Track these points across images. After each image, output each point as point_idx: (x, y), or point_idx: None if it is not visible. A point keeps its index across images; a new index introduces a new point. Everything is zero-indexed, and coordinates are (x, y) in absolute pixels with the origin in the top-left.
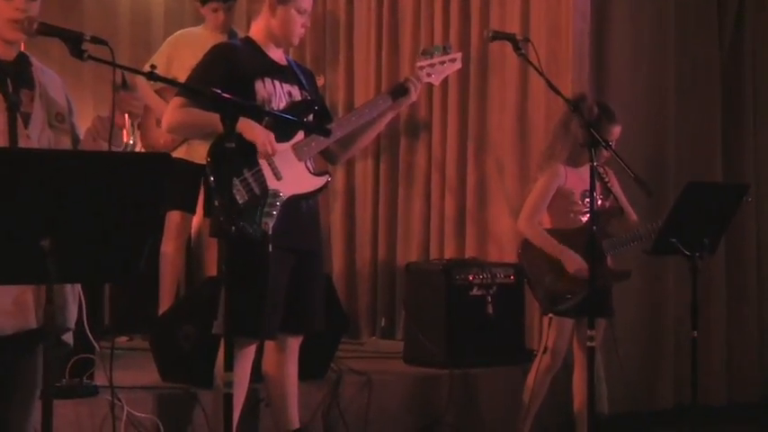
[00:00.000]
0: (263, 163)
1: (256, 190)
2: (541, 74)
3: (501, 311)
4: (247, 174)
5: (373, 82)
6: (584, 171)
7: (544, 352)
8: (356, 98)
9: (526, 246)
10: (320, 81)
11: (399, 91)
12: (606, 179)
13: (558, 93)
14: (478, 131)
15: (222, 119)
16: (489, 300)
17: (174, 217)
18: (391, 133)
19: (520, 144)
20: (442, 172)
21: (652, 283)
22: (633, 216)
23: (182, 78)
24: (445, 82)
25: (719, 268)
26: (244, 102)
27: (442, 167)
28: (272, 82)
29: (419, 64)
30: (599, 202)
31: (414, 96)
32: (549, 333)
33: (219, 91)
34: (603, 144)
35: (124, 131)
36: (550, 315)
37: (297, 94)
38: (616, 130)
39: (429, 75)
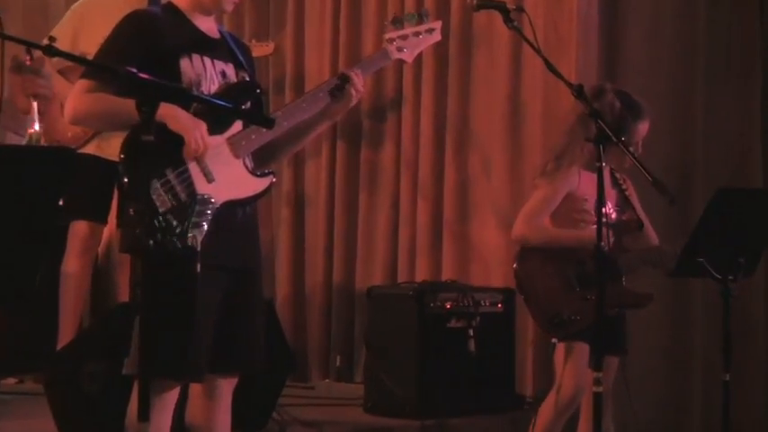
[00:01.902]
0: (190, 161)
1: (182, 195)
2: (538, 51)
3: (486, 348)
4: (171, 175)
5: (328, 56)
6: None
7: (557, 390)
8: (307, 74)
9: (523, 257)
10: (269, 47)
11: (337, 89)
12: (624, 187)
13: (558, 75)
14: (459, 123)
15: (139, 105)
16: (471, 333)
17: (79, 228)
18: (351, 124)
19: (511, 139)
20: (414, 173)
21: (674, 313)
22: (654, 236)
23: (91, 55)
24: (419, 60)
25: (758, 294)
26: (166, 84)
27: (414, 167)
28: (202, 59)
29: (388, 35)
30: (613, 214)
31: (353, 101)
32: (561, 363)
33: (135, 70)
34: (615, 140)
35: (32, 117)
36: (553, 340)
37: (232, 74)
38: (643, 128)
39: (400, 49)
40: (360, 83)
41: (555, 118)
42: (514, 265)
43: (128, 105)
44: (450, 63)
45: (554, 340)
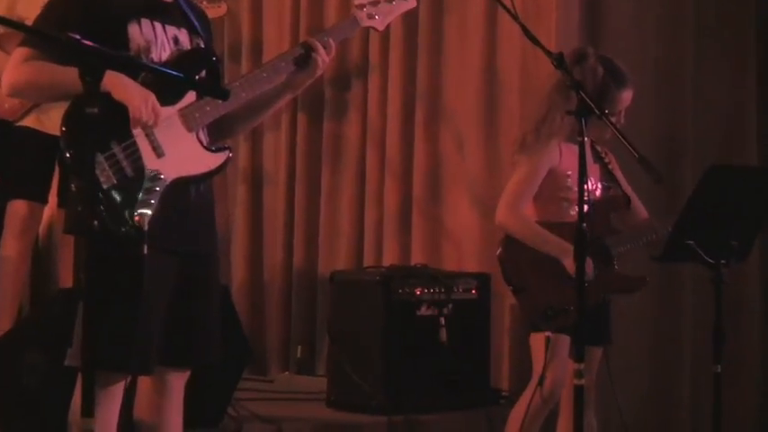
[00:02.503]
0: (138, 134)
1: (128, 171)
2: (514, 17)
3: (459, 337)
4: (117, 149)
5: (288, 21)
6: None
7: (540, 383)
8: (266, 41)
9: (509, 243)
10: (221, 9)
11: (302, 58)
12: (607, 161)
13: (536, 43)
14: (431, 94)
15: (82, 75)
16: (443, 322)
17: (17, 208)
18: (312, 94)
19: (486, 111)
20: (382, 149)
21: (662, 301)
22: (644, 211)
23: (30, 21)
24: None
25: (753, 281)
26: (112, 52)
27: (382, 143)
28: (152, 24)
29: (358, 1)
30: (598, 190)
31: (318, 71)
32: (543, 357)
33: (78, 37)
34: (598, 113)
35: None
36: (547, 333)
37: (185, 40)
38: (627, 96)
39: (371, 16)
40: (326, 53)
41: (534, 89)
42: (499, 251)
43: (70, 75)
44: (419, 29)
45: (548, 334)
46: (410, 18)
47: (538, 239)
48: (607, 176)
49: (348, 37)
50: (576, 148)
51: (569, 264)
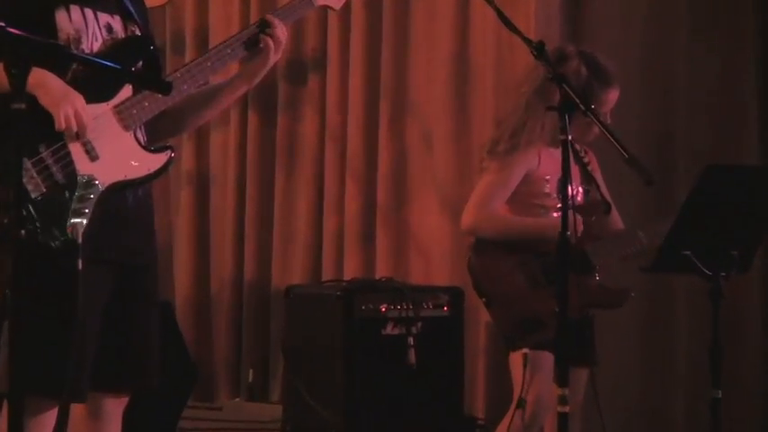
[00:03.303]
0: (70, 137)
1: (59, 177)
2: (489, 0)
3: (429, 359)
4: (45, 153)
5: (237, 5)
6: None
7: (520, 405)
8: (212, 29)
9: (479, 249)
10: None
11: (253, 42)
12: (587, 161)
13: (513, 30)
14: (396, 87)
15: (7, 68)
16: (411, 342)
17: None
18: (264, 87)
19: (456, 107)
20: (342, 148)
21: (653, 316)
22: (618, 220)
23: None
24: (346, 9)
25: (754, 294)
26: (41, 39)
27: (342, 141)
28: (82, 11)
29: None
30: (579, 195)
31: (272, 58)
32: (524, 376)
33: (2, 24)
34: (584, 109)
35: None
36: (524, 351)
37: (119, 28)
38: (613, 96)
39: None
40: (282, 32)
41: (510, 83)
42: (468, 258)
43: None
44: (383, 14)
45: (525, 351)
46: (373, 2)
47: (511, 227)
48: (586, 180)
49: (300, 17)
50: (555, 152)
51: (547, 230)
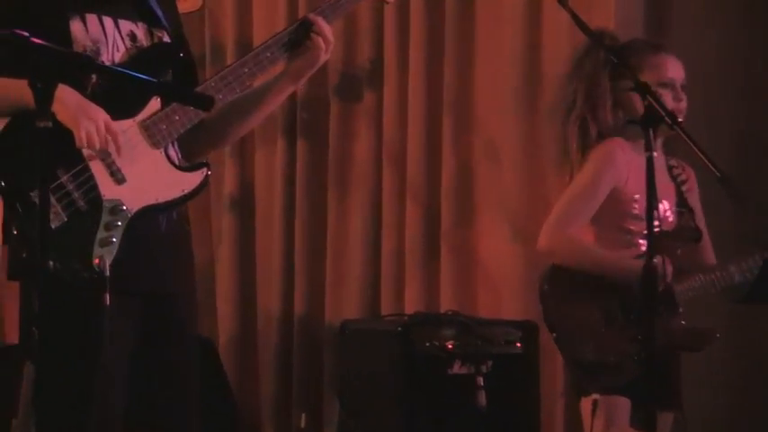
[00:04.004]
0: (91, 157)
1: (81, 203)
2: (563, 3)
3: (500, 401)
4: (65, 178)
5: (284, 6)
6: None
7: None
8: (256, 32)
9: (555, 276)
10: (196, 1)
11: (294, 42)
12: (683, 178)
13: (590, 34)
14: (460, 100)
15: (32, 80)
16: (481, 382)
17: None
18: (315, 105)
19: (527, 121)
20: (400, 168)
21: (745, 354)
22: (710, 252)
23: None
24: (404, 15)
25: None
26: (68, 50)
27: (400, 161)
28: (100, 20)
29: None
30: (670, 216)
31: (321, 56)
32: (593, 424)
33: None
34: (670, 122)
35: None
36: (594, 396)
37: (143, 36)
38: (662, 61)
39: None
40: (328, 30)
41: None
42: (541, 286)
43: (9, 87)
44: (445, 19)
45: (595, 396)
46: (434, 8)
47: (590, 259)
48: (680, 202)
49: (347, 12)
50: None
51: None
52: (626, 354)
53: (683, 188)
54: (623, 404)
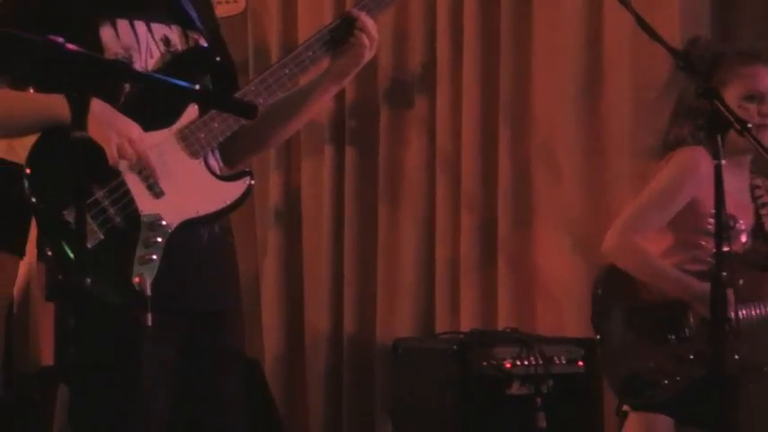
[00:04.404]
0: (127, 172)
1: (118, 220)
2: (624, 2)
3: (562, 423)
4: (100, 194)
5: (330, 5)
6: (738, 174)
7: None
8: (301, 34)
9: (609, 278)
10: (238, 4)
11: (336, 41)
12: (764, 201)
13: (654, 36)
14: (516, 105)
15: (68, 90)
16: (540, 402)
17: None
18: (363, 111)
19: (587, 125)
20: (454, 178)
21: None
22: None
23: None
24: (458, 17)
25: None
26: (104, 58)
27: (455, 170)
28: (132, 25)
29: None
30: (743, 236)
31: (365, 53)
32: None
33: (62, 40)
34: (739, 128)
35: None
36: (625, 407)
37: (177, 40)
38: (753, 71)
39: None
40: (371, 25)
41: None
42: (594, 285)
43: (40, 101)
44: (501, 19)
45: (625, 408)
46: (489, 7)
47: (654, 274)
48: (758, 223)
49: (391, 5)
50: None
51: (695, 296)
52: (668, 371)
53: (762, 211)
54: (663, 422)
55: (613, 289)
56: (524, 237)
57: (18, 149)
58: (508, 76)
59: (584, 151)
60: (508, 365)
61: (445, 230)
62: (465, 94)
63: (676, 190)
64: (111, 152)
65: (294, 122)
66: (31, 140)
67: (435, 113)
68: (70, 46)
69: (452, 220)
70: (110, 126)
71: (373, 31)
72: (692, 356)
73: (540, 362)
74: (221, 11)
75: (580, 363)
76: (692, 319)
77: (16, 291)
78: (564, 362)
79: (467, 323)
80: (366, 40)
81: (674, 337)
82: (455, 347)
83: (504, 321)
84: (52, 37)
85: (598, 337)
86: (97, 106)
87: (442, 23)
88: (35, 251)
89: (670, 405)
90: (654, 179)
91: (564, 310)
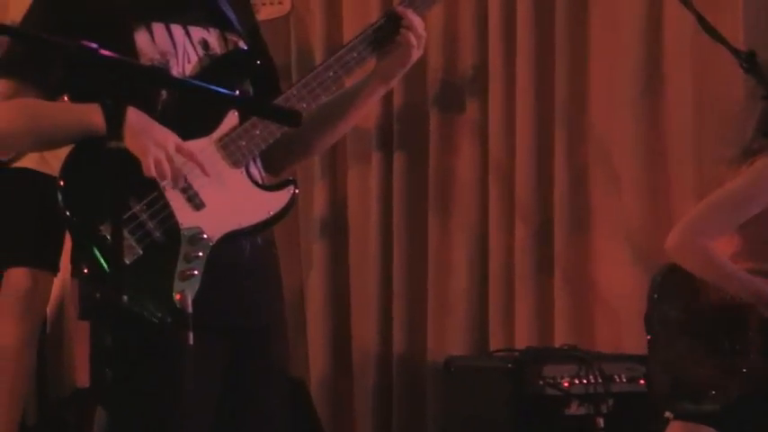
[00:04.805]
0: (166, 184)
1: (157, 234)
2: (686, 2)
3: None
4: (138, 207)
5: (376, 5)
6: None
7: None
8: (347, 35)
9: (667, 283)
10: (284, 5)
11: (382, 37)
12: None
13: (718, 38)
14: (573, 110)
15: (102, 97)
16: (602, 424)
17: (15, 279)
18: (412, 117)
19: (648, 131)
20: (508, 187)
21: None
22: None
23: None
24: (511, 17)
25: None
26: (140, 64)
27: (508, 179)
28: (168, 28)
29: None
30: None
31: (413, 53)
32: None
33: (95, 45)
34: None
35: None
36: (668, 414)
37: (216, 43)
38: None
39: None
40: (418, 23)
41: (713, 101)
42: (653, 278)
43: (74, 111)
44: (556, 20)
45: (668, 414)
46: (543, 8)
47: (719, 271)
48: None
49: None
50: None
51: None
52: (718, 382)
53: None
54: None
55: (671, 290)
56: (582, 247)
57: (51, 161)
58: (563, 77)
59: (643, 156)
60: (566, 384)
61: (498, 241)
62: (518, 96)
63: (754, 194)
64: (148, 164)
65: (339, 128)
66: (64, 151)
67: (487, 117)
68: (104, 52)
69: (506, 232)
70: (147, 136)
71: (420, 29)
72: (744, 370)
73: (600, 380)
74: (265, 13)
75: (642, 381)
76: (751, 327)
77: (50, 309)
78: (625, 380)
79: (522, 340)
80: (413, 39)
81: (729, 345)
82: (510, 366)
83: (561, 338)
84: (85, 42)
85: (648, 338)
86: (133, 115)
87: (494, 22)
88: (69, 267)
89: (716, 418)
90: (731, 181)
91: (624, 324)
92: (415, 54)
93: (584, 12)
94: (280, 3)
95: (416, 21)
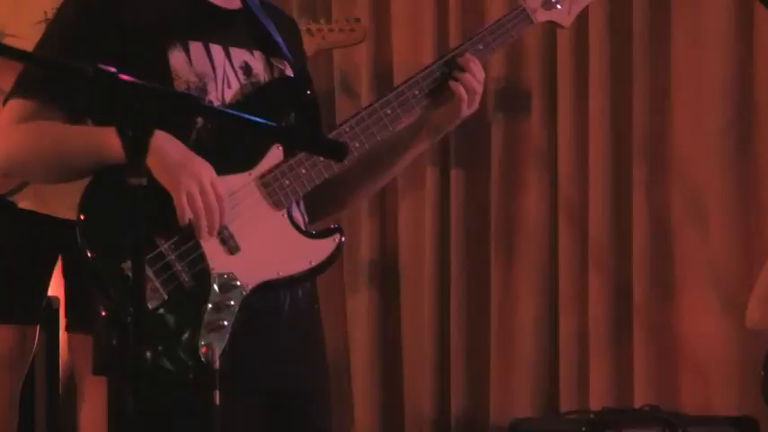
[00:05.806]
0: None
1: (185, 278)
2: None
3: None
4: (165, 247)
5: (431, 29)
6: None
7: None
8: (396, 63)
9: None
10: (358, 31)
11: (439, 86)
12: None
13: None
14: (651, 139)
15: (121, 127)
16: None
17: (2, 336)
18: (472, 145)
19: (737, 163)
20: (581, 225)
21: None
22: None
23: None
24: (582, 34)
25: None
26: (166, 89)
27: (581, 215)
28: (206, 48)
29: None
30: None
31: (464, 111)
32: None
33: (114, 69)
34: None
35: None
36: None
37: (260, 68)
38: None
39: (549, 5)
40: (479, 74)
41: None
42: (761, 373)
43: (95, 135)
44: (634, 41)
45: None
46: (618, 27)
47: None
48: None
49: (511, 40)
50: None
51: None
52: None
53: None
54: None
55: None
56: (664, 297)
57: (46, 196)
58: (642, 106)
59: (733, 194)
60: None
61: (569, 288)
62: (591, 128)
63: None
64: (180, 200)
65: (383, 178)
66: (65, 188)
67: (557, 152)
68: (124, 76)
69: (577, 275)
70: (180, 168)
71: (476, 84)
72: None
73: None
74: (340, 40)
75: None
76: None
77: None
78: None
79: (597, 401)
80: (464, 94)
81: None
82: (584, 429)
83: (641, 398)
84: (103, 66)
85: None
86: (166, 143)
87: (563, 45)
88: (65, 318)
89: None
90: None
91: (713, 384)
92: (465, 111)
93: (665, 30)
94: (352, 30)
95: (475, 68)
